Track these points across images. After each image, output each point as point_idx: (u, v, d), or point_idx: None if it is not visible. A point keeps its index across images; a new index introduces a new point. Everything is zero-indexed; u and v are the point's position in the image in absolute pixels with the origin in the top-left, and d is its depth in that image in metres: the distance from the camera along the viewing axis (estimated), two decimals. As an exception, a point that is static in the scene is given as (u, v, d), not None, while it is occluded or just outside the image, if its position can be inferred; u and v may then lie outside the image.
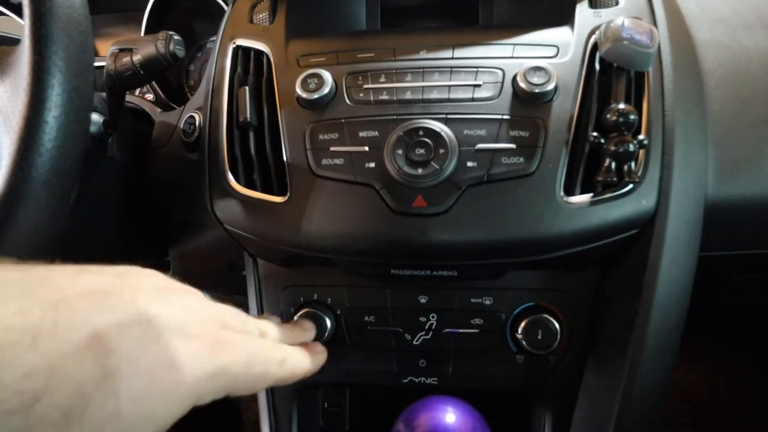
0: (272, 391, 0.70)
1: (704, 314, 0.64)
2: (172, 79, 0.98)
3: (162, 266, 0.88)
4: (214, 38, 0.81)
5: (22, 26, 0.45)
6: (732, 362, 1.35)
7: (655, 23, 0.61)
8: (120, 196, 0.73)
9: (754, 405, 1.28)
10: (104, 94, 0.65)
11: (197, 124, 0.68)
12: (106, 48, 0.73)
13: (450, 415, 0.53)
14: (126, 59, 0.60)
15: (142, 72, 0.60)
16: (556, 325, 0.62)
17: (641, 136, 0.54)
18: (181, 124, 0.70)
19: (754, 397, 1.29)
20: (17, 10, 0.92)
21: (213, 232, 0.69)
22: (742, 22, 0.67)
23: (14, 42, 0.52)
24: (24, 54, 0.43)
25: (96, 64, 0.83)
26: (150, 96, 0.94)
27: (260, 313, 0.70)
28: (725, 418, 1.28)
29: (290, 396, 0.70)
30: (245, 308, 0.72)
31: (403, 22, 0.75)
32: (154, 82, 0.92)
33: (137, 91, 0.94)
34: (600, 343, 0.63)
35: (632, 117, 0.53)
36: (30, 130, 0.42)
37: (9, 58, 0.47)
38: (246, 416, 1.38)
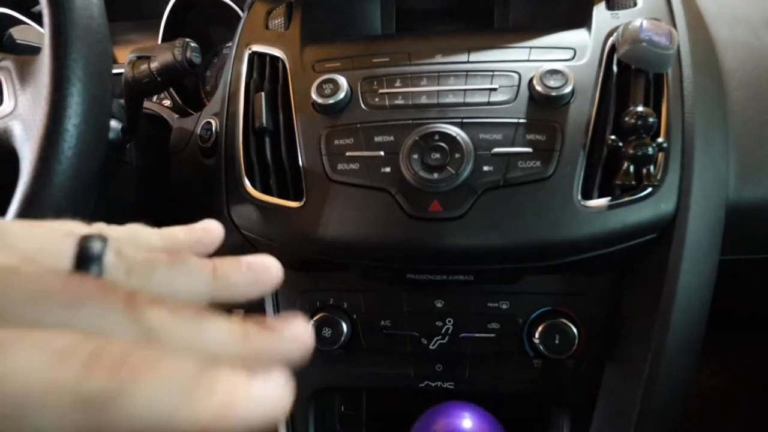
0: None
1: (720, 317, 0.63)
2: (189, 84, 0.99)
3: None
4: (230, 44, 0.82)
5: (42, 35, 0.46)
6: (741, 360, 1.33)
7: (674, 24, 0.60)
8: (138, 201, 0.74)
9: (763, 403, 1.26)
10: (122, 101, 0.66)
11: (214, 129, 0.68)
12: (124, 55, 0.74)
13: (467, 420, 0.53)
14: (143, 66, 0.61)
15: (159, 79, 0.61)
16: (574, 329, 0.61)
17: (660, 139, 0.53)
18: (198, 130, 0.71)
19: (763, 395, 1.27)
20: (38, 19, 0.94)
21: (229, 237, 0.69)
22: (763, 20, 0.66)
23: (35, 51, 0.53)
24: (44, 63, 0.44)
25: (114, 71, 0.85)
26: (167, 102, 0.95)
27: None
28: (743, 421, 1.26)
29: (307, 400, 0.70)
30: (262, 312, 0.72)
31: (418, 26, 0.75)
32: (171, 88, 0.93)
33: (155, 97, 0.95)
34: (619, 348, 0.62)
35: (651, 120, 0.52)
36: (50, 138, 0.43)
37: (31, 68, 0.48)
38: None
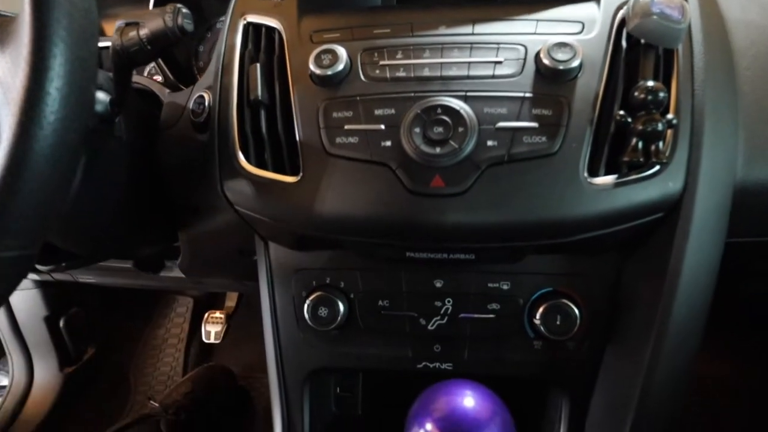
0: (284, 377, 0.69)
1: (720, 303, 0.62)
2: (182, 60, 0.96)
3: (170, 251, 0.87)
4: (224, 18, 0.79)
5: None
6: (738, 346, 1.34)
7: None
8: (128, 178, 0.72)
9: (760, 389, 1.27)
10: (111, 74, 0.64)
11: (207, 103, 0.66)
12: (112, 29, 0.71)
13: (469, 399, 0.51)
14: (132, 33, 0.58)
15: (149, 47, 0.58)
16: (576, 310, 0.60)
17: (670, 116, 0.52)
18: (191, 104, 0.69)
19: (760, 382, 1.28)
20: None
21: (223, 214, 0.67)
22: (775, 1, 0.64)
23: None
24: (25, 22, 0.42)
25: (103, 44, 0.82)
26: (159, 77, 0.92)
27: (272, 298, 0.68)
28: (739, 407, 1.26)
29: (302, 381, 0.69)
30: (256, 294, 0.71)
31: None
32: (162, 63, 0.90)
33: (146, 72, 0.92)
34: (621, 330, 0.61)
35: (662, 95, 0.50)
36: (31, 101, 0.40)
37: (9, 27, 0.45)
38: (258, 403, 1.38)
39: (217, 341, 1.49)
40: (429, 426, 0.50)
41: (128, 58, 0.60)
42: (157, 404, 1.14)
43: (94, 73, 0.48)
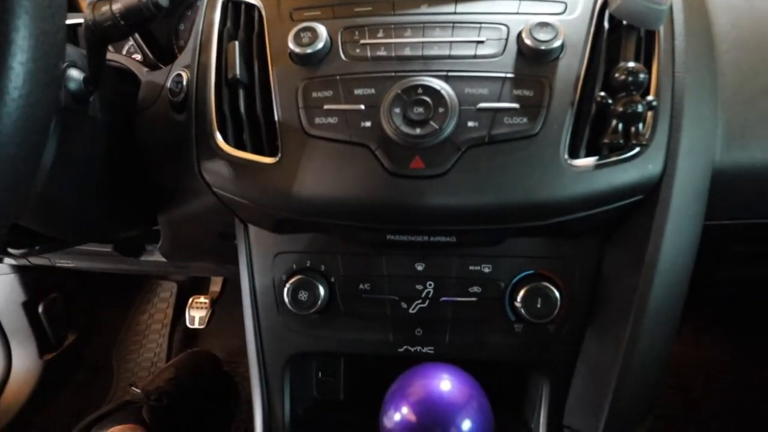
0: (264, 362, 0.69)
1: (696, 286, 0.63)
2: (162, 38, 0.93)
3: (150, 235, 0.85)
4: None
5: None
6: (720, 334, 1.36)
7: None
8: (105, 159, 0.70)
9: (740, 375, 1.30)
10: (85, 51, 0.62)
11: (185, 82, 0.65)
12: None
13: (445, 382, 0.51)
14: (105, 8, 0.56)
15: (122, 22, 0.56)
16: (556, 293, 0.60)
17: (650, 97, 0.51)
18: (168, 83, 0.67)
19: (740, 368, 1.31)
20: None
21: (202, 197, 0.66)
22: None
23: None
24: None
25: (77, 20, 0.79)
26: (138, 56, 0.90)
27: (251, 282, 0.68)
28: (713, 386, 1.29)
29: (282, 366, 0.68)
30: (237, 279, 0.70)
31: None
32: (141, 41, 0.88)
33: (124, 50, 0.90)
34: (600, 312, 0.62)
35: (642, 76, 0.50)
36: None
37: None
38: (243, 389, 1.38)
39: (202, 326, 1.48)
40: (405, 409, 0.50)
41: (101, 34, 0.58)
42: (139, 390, 1.13)
43: (61, 48, 0.46)
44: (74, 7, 0.85)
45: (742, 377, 1.29)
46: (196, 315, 1.47)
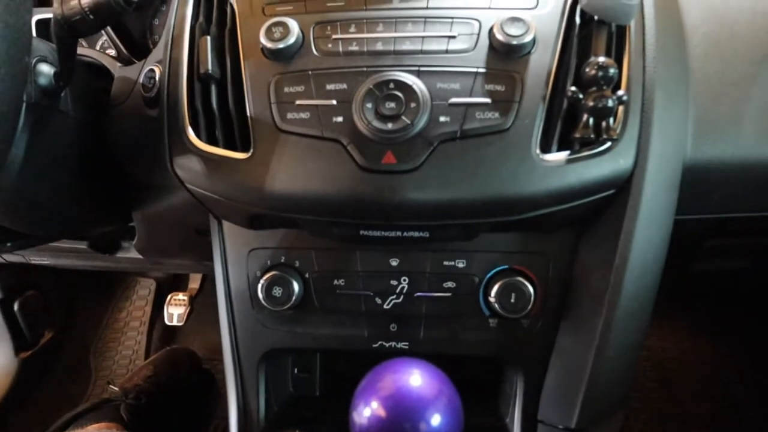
0: (239, 358, 0.68)
1: (673, 280, 0.63)
2: (137, 33, 0.92)
3: (126, 231, 0.84)
4: None
5: None
6: (699, 328, 1.38)
7: None
8: (77, 155, 0.69)
9: (719, 368, 1.32)
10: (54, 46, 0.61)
11: (157, 77, 0.64)
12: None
13: (414, 377, 0.51)
14: (74, 3, 0.55)
15: (91, 17, 0.55)
16: (530, 288, 0.61)
17: (621, 92, 0.52)
18: (141, 79, 0.66)
19: (719, 361, 1.33)
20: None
21: (176, 193, 0.66)
22: (726, -22, 0.65)
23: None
24: None
25: (48, 15, 0.78)
26: (112, 51, 0.89)
27: (226, 278, 0.67)
28: (693, 380, 1.31)
29: (257, 363, 0.68)
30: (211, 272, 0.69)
31: None
32: (115, 36, 0.87)
33: (98, 46, 0.89)
34: (573, 307, 0.62)
35: (612, 71, 0.50)
36: None
37: None
38: (222, 386, 1.37)
39: (180, 323, 1.47)
40: (374, 404, 0.50)
41: (70, 29, 0.57)
42: (117, 388, 1.12)
43: (26, 43, 0.45)
44: (46, 2, 0.84)
45: (727, 375, 1.31)
46: (175, 312, 1.46)
